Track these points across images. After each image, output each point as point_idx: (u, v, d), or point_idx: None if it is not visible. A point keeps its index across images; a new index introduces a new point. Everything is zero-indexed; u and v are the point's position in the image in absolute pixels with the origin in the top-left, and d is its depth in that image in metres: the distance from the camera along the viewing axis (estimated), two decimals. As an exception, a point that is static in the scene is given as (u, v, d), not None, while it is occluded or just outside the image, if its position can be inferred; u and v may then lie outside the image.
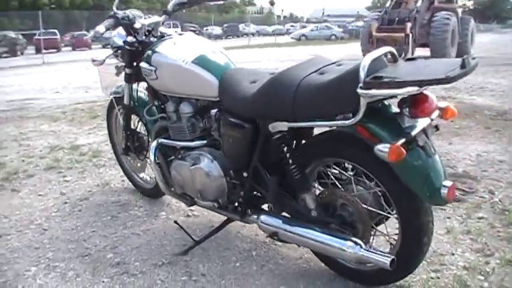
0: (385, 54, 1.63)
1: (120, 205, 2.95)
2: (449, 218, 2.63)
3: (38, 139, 4.77)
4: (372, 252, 1.70)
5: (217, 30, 40.50)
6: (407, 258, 1.75)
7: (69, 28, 30.01)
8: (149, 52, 2.28)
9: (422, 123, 1.58)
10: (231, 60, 2.23)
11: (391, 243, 1.86)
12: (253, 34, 42.84)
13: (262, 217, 1.99)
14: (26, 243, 2.47)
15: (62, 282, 2.10)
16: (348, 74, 1.56)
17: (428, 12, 12.53)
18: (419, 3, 12.84)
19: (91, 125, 5.42)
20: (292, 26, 51.88)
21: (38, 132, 5.13)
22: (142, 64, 2.30)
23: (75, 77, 11.05)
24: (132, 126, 2.83)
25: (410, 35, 11.67)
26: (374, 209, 1.77)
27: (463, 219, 2.61)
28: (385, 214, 1.77)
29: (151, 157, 2.35)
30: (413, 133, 1.53)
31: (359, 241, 1.72)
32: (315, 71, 1.74)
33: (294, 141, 1.92)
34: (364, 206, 1.76)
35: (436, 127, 1.66)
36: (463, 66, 1.42)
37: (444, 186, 1.55)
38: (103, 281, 2.09)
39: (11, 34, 25.39)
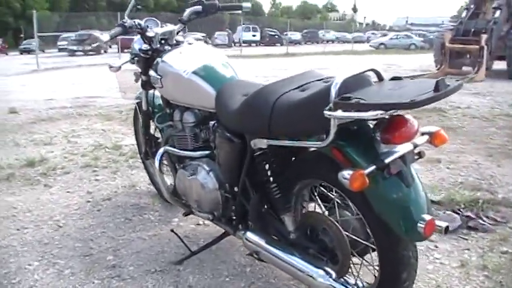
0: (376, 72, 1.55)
1: (138, 208, 3.01)
2: (468, 249, 2.44)
3: (87, 137, 5.00)
4: (343, 284, 1.61)
5: (296, 35, 40.72)
6: None
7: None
8: (157, 60, 2.32)
9: (401, 149, 1.47)
10: (236, 72, 2.21)
11: (375, 276, 1.74)
12: (332, 41, 42.65)
13: (248, 234, 1.95)
14: (38, 238, 2.59)
15: (56, 279, 2.18)
16: (320, 92, 1.49)
17: (507, 23, 11.77)
18: (497, 14, 12.09)
19: (140, 126, 5.60)
20: (373, 33, 51.00)
21: (89, 130, 5.38)
22: (151, 72, 2.34)
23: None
24: (152, 132, 2.88)
25: (486, 47, 11.00)
26: (356, 237, 1.67)
27: (484, 252, 2.41)
28: (366, 243, 1.66)
29: (156, 164, 2.38)
30: (388, 160, 1.42)
31: (331, 271, 1.63)
32: (297, 87, 1.68)
33: (276, 159, 1.85)
34: (345, 233, 1.67)
35: (419, 154, 1.53)
36: (436, 89, 1.30)
37: (421, 220, 1.43)
38: (93, 282, 2.15)
39: (97, 33, 27.01)
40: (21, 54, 30.86)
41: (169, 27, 2.47)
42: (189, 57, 2.23)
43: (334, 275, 1.62)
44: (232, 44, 34.45)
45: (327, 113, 1.39)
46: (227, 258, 2.35)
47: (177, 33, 2.50)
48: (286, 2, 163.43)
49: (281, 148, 1.73)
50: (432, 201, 2.94)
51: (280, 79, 1.84)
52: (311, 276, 1.64)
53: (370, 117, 1.34)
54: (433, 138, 1.54)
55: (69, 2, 47.92)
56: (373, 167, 1.39)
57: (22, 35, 35.57)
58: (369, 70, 1.52)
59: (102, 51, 27.24)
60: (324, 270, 1.63)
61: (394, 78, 1.55)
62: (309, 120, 1.53)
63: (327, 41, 40.49)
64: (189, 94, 2.17)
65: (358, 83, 1.48)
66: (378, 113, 1.32)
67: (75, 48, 27.01)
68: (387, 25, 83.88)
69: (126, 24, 2.32)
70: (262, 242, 1.87)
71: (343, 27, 51.54)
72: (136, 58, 2.53)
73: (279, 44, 35.67)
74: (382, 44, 35.18)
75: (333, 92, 1.40)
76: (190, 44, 2.42)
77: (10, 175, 3.63)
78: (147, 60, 2.47)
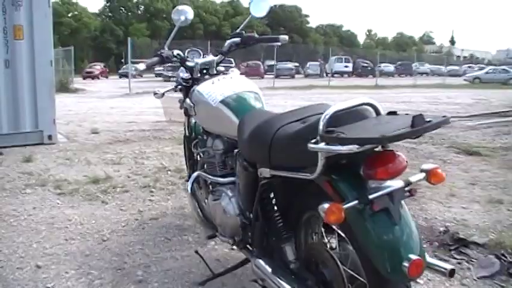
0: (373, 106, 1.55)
1: (180, 229, 3.14)
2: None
3: (153, 159, 5.29)
4: None
5: (389, 67, 40.22)
6: None
7: (247, 57, 32.39)
8: (192, 89, 2.45)
9: (390, 185, 1.45)
10: (263, 103, 2.28)
11: None
12: (426, 73, 41.46)
13: (257, 260, 1.97)
14: (81, 249, 2.79)
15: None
16: (311, 126, 1.51)
17: None
18: None
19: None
20: (469, 67, 48.84)
21: (158, 153, 5.68)
22: (187, 100, 2.47)
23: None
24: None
25: None
26: (353, 272, 1.65)
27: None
28: (362, 280, 1.63)
29: (188, 186, 2.50)
30: (372, 196, 1.40)
31: None
32: (298, 120, 1.71)
33: (280, 189, 1.88)
34: (343, 267, 1.65)
35: (410, 192, 1.49)
36: (412, 125, 1.28)
37: (407, 260, 1.37)
38: (117, 294, 2.28)
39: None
40: (120, 78, 33.60)
41: (210, 57, 2.61)
42: (220, 87, 2.34)
43: None
44: (324, 75, 34.65)
45: (309, 145, 1.41)
46: (249, 285, 2.38)
47: (218, 64, 2.63)
48: (382, 33, 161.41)
49: (284, 178, 1.77)
50: (475, 243, 2.78)
51: (289, 110, 1.88)
52: None
53: (345, 151, 1.34)
54: (430, 176, 1.50)
55: (168, 30, 51.08)
56: (354, 202, 1.39)
57: (122, 60, 38.40)
58: (363, 104, 1.52)
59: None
60: None
61: (390, 113, 1.54)
62: (301, 152, 1.55)
63: (421, 74, 39.41)
64: (217, 122, 2.27)
65: (349, 116, 1.48)
66: (354, 147, 1.32)
67: (169, 74, 28.56)
68: (486, 58, 79.99)
69: (163, 54, 2.49)
70: (267, 271, 1.89)
71: (439, 60, 49.88)
72: (179, 86, 2.69)
73: (371, 76, 35.22)
74: (477, 77, 33.61)
75: (321, 125, 1.41)
76: (225, 74, 2.54)
77: (74, 190, 3.94)
78: (187, 89, 2.61)
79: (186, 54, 2.61)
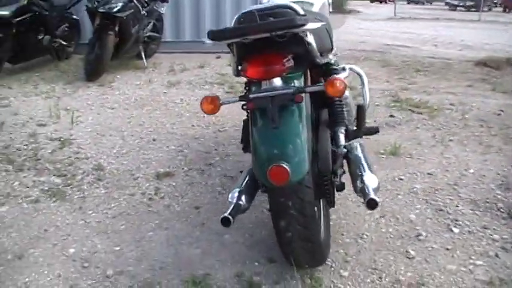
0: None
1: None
2: None
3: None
4: None
5: None
6: None
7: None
8: None
9: (278, 88, 1.44)
10: None
11: None
12: None
13: None
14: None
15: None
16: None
17: None
18: None
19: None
20: None
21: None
22: None
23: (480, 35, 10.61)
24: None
25: None
26: None
27: None
28: None
29: None
30: (253, 95, 1.43)
31: None
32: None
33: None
34: None
35: (296, 98, 1.42)
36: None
37: (268, 165, 1.36)
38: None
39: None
40: (408, 4, 32.42)
41: None
42: None
43: None
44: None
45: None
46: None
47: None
48: None
49: None
50: None
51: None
52: None
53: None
54: (327, 86, 1.41)
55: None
56: (234, 99, 1.45)
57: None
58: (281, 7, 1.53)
59: (486, 8, 25.63)
60: None
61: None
62: None
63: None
64: None
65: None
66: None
67: (455, 3, 26.37)
68: None
69: None
70: None
71: None
72: None
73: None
74: None
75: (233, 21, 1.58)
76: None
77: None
78: None
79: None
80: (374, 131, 2.38)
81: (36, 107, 3.90)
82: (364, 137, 2.50)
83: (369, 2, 34.74)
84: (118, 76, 5.11)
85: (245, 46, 1.46)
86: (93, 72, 4.89)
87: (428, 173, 2.68)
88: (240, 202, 1.47)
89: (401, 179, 2.62)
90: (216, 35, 1.40)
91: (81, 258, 1.88)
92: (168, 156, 2.92)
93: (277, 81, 1.44)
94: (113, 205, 2.32)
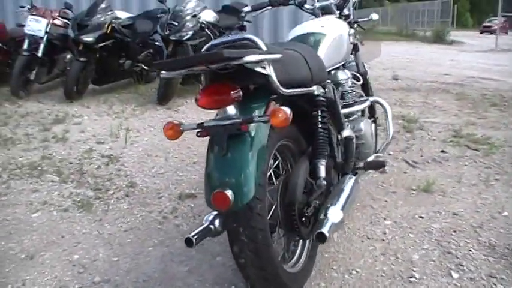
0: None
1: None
2: None
3: (409, 109, 5.17)
4: None
5: None
6: None
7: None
8: None
9: (230, 118, 1.49)
10: None
11: None
12: None
13: None
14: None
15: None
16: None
17: None
18: None
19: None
20: None
21: (425, 107, 5.42)
22: None
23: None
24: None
25: None
26: None
27: None
28: None
29: None
30: (207, 124, 1.50)
31: None
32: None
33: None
34: None
35: (242, 127, 1.46)
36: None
37: (212, 191, 1.43)
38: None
39: None
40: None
41: None
42: None
43: None
44: None
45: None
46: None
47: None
48: None
49: None
50: None
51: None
52: None
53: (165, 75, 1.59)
54: (271, 117, 1.44)
55: None
56: (192, 126, 1.53)
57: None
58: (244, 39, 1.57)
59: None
60: None
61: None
62: None
63: None
64: None
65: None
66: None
67: None
68: None
69: None
70: None
71: None
72: None
73: None
74: None
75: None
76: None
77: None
78: None
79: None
80: (380, 165, 2.35)
81: (102, 126, 4.29)
82: (374, 170, 2.48)
83: (478, 32, 32.97)
84: (187, 101, 5.41)
85: (207, 76, 1.57)
86: (163, 96, 5.23)
87: (454, 213, 2.55)
88: (211, 226, 1.54)
89: (421, 217, 2.51)
90: (159, 67, 1.55)
91: (80, 264, 2.07)
92: (200, 179, 3.06)
93: (231, 110, 1.50)
94: (128, 220, 2.51)
